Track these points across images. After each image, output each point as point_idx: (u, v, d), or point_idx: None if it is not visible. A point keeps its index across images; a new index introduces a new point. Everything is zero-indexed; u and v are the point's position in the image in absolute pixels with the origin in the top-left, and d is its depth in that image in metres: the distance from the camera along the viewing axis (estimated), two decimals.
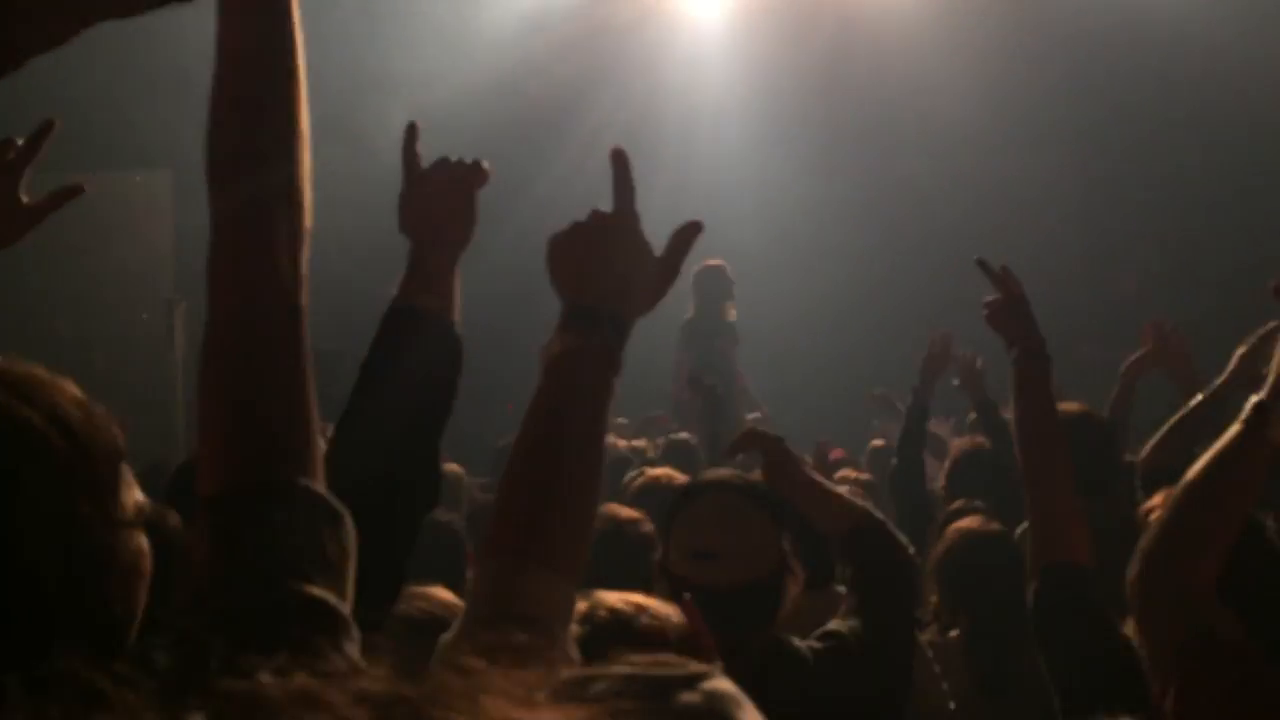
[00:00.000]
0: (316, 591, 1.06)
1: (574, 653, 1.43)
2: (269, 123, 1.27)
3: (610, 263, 1.62)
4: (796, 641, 2.41)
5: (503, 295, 8.20)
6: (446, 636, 1.45)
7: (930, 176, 10.76)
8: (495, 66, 9.82)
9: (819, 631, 2.46)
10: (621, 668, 0.90)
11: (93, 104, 8.13)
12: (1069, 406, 3.85)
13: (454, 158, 2.08)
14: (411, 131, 2.09)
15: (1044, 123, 10.54)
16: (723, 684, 0.90)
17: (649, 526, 3.39)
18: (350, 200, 5.60)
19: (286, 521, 1.10)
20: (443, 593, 2.60)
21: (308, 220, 1.26)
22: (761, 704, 1.04)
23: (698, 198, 10.38)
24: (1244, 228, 10.18)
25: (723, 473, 2.76)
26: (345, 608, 1.09)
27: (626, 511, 3.39)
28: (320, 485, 1.15)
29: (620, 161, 1.66)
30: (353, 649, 1.05)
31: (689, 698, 0.87)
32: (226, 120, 1.27)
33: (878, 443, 6.87)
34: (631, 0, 10.29)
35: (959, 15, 9.92)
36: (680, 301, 9.45)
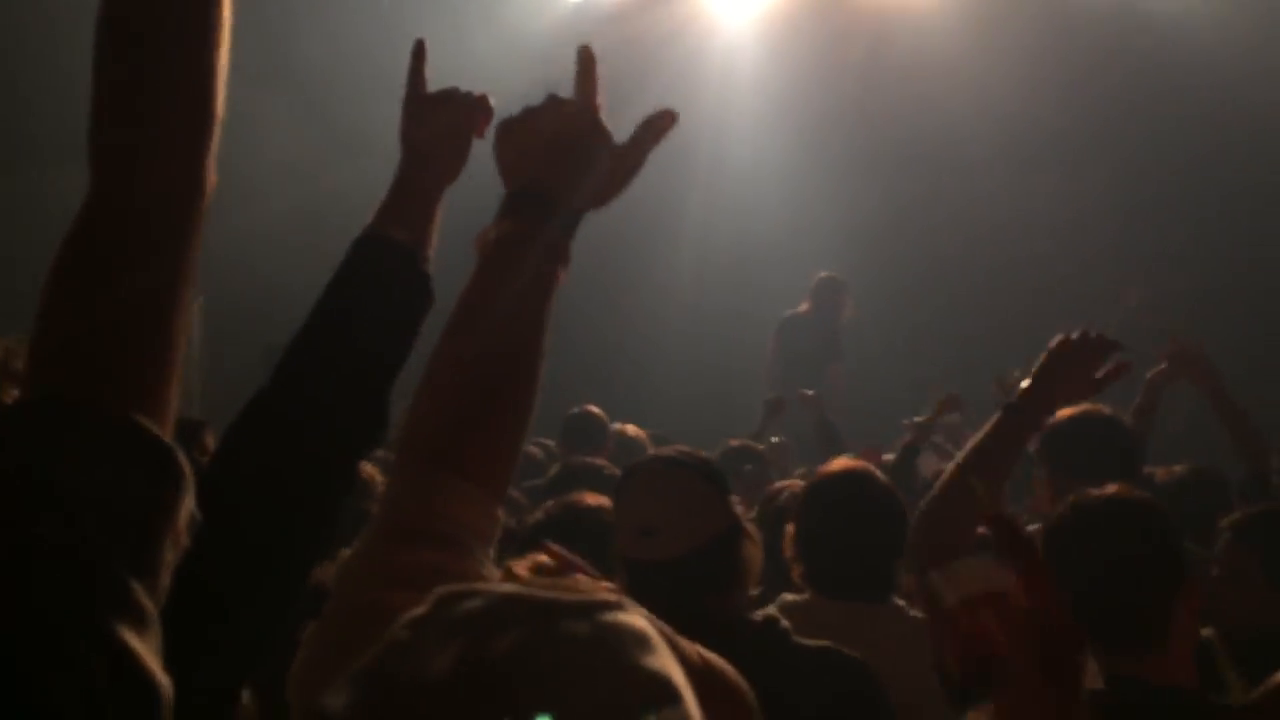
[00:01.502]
0: (84, 547, 0.83)
1: (492, 575, 1.27)
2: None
3: (561, 146, 1.48)
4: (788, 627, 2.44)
5: None
6: (351, 549, 1.30)
7: (962, 193, 10.72)
8: (529, 78, 9.84)
9: None
10: (508, 586, 0.81)
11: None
12: (1095, 408, 3.85)
13: (464, 90, 1.96)
14: (419, 51, 1.97)
15: (1080, 142, 10.50)
16: (627, 618, 0.79)
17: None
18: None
19: (77, 452, 0.86)
20: None
21: (218, 103, 1.06)
22: (755, 678, 1.01)
23: (729, 208, 10.44)
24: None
25: (661, 450, 2.79)
26: (118, 567, 0.84)
27: (592, 498, 3.35)
28: (161, 429, 0.92)
29: (586, 57, 1.56)
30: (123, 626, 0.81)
31: (574, 627, 0.76)
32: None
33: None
34: (666, 12, 10.32)
35: (995, 32, 9.89)
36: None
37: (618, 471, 4.43)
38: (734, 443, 6.09)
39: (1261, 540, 3.16)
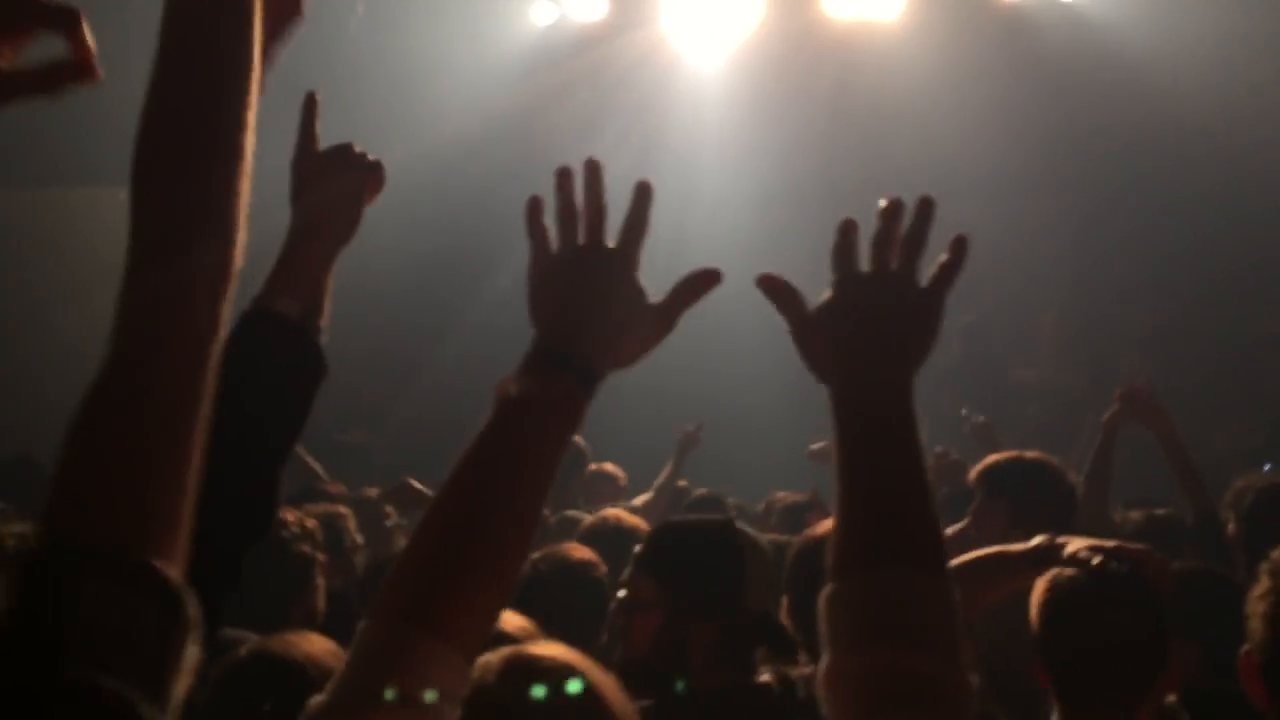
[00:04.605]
0: (110, 683, 0.86)
1: None
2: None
3: (597, 302, 1.44)
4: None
5: (501, 330, 8.16)
6: (316, 700, 1.27)
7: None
8: (495, 109, 9.86)
9: None
10: None
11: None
12: (1032, 454, 4.06)
13: (359, 148, 1.89)
14: (310, 104, 1.88)
15: (1043, 171, 10.59)
16: None
17: (603, 569, 3.31)
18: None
19: (98, 594, 0.89)
20: (317, 641, 2.35)
21: (236, 257, 1.06)
22: None
23: (698, 235, 10.45)
24: (1227, 281, 10.26)
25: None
26: (151, 710, 0.88)
27: (580, 552, 3.31)
28: (173, 570, 0.94)
29: (642, 195, 1.49)
30: None
31: None
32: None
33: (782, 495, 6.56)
34: (635, 37, 10.34)
35: (961, 64, 9.97)
36: None
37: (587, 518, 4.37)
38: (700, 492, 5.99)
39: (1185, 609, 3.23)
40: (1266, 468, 8.74)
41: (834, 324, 1.49)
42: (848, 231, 1.52)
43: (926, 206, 1.49)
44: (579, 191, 1.48)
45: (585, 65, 10.25)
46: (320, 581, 3.51)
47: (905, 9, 9.91)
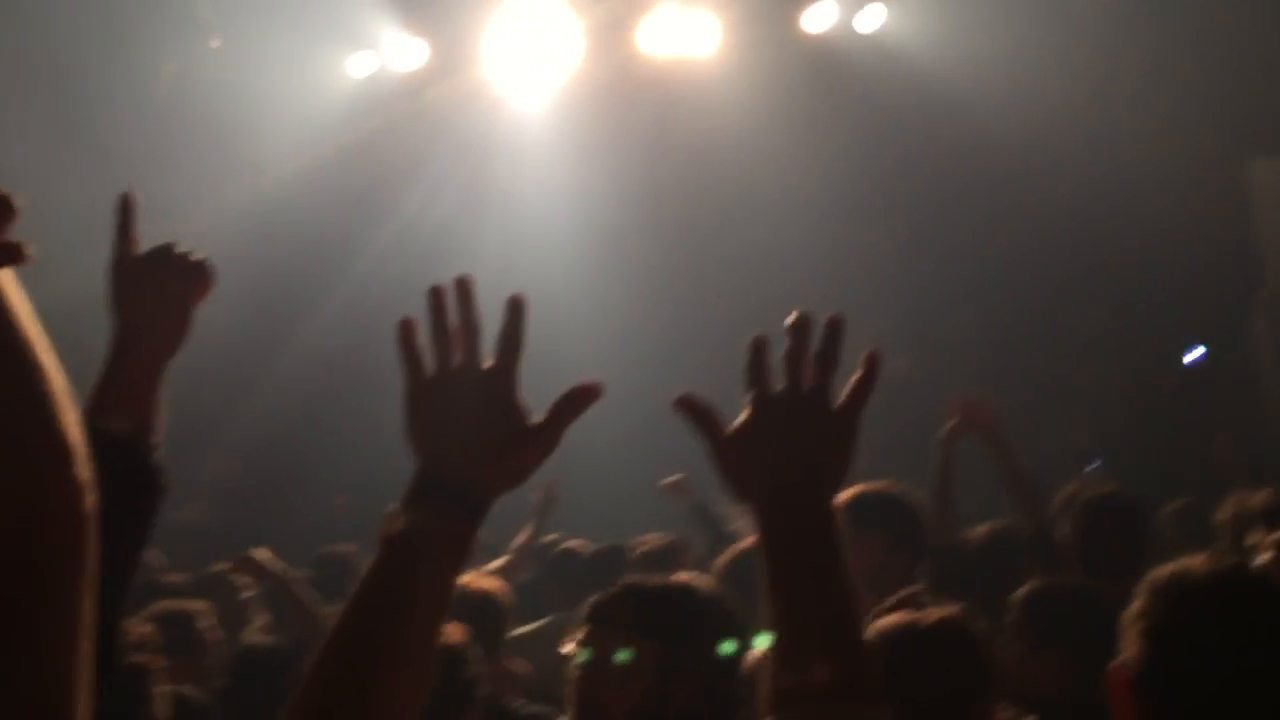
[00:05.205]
0: None
1: None
2: None
3: (478, 428, 1.39)
4: None
5: (319, 377, 7.99)
6: None
7: (754, 251, 10.99)
8: (316, 158, 9.72)
9: None
10: None
11: None
12: (885, 484, 4.16)
13: (181, 248, 1.75)
14: (125, 205, 1.73)
15: (863, 196, 10.91)
16: None
17: (467, 649, 3.25)
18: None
19: None
20: None
21: None
22: None
23: (521, 273, 10.43)
24: (1049, 290, 10.70)
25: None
26: None
27: (481, 580, 3.24)
28: None
29: (515, 312, 1.43)
30: None
31: None
32: None
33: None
34: (455, 82, 10.32)
35: (774, 97, 10.20)
36: None
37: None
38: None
39: (1044, 620, 3.39)
40: (1091, 466, 9.14)
41: (752, 447, 1.50)
42: (760, 350, 1.52)
43: (836, 326, 1.50)
44: (451, 310, 1.44)
45: (408, 111, 10.19)
46: (160, 690, 3.32)
47: (719, 46, 10.13)
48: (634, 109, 10.50)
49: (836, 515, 1.50)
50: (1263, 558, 3.06)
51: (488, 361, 1.42)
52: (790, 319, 1.50)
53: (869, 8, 10.28)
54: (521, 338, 1.43)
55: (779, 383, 1.51)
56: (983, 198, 10.75)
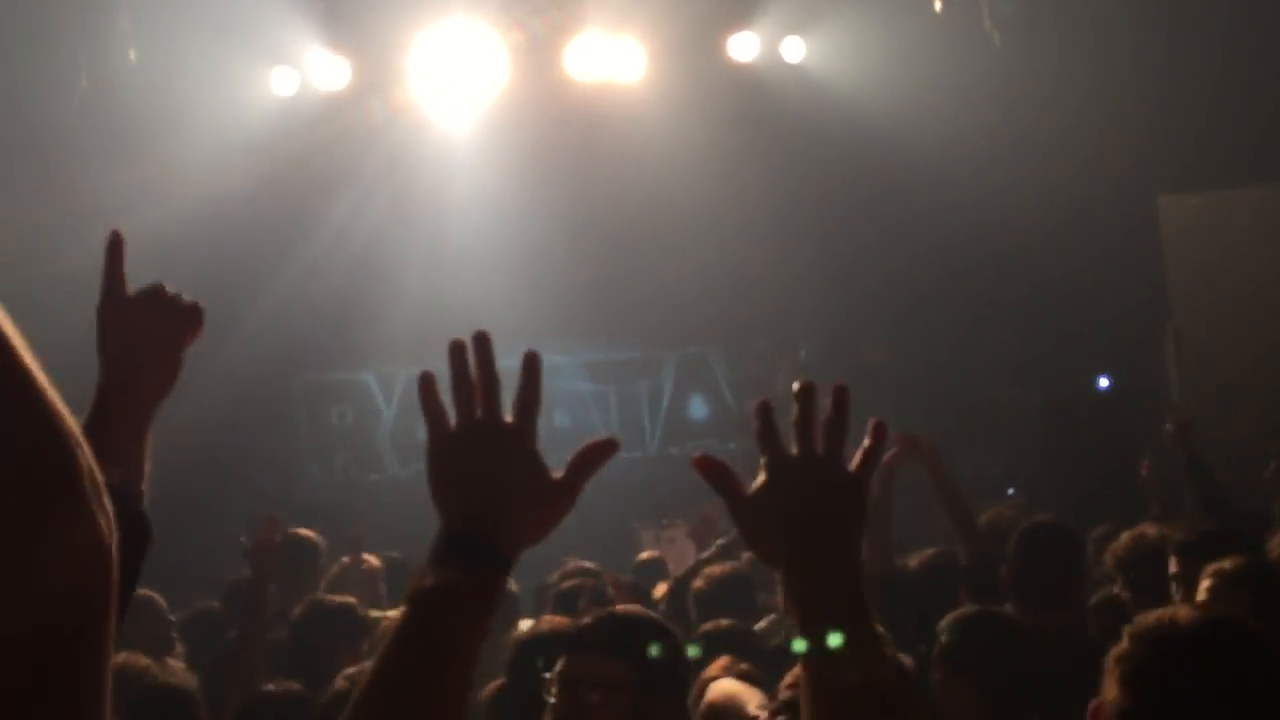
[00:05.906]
0: None
1: None
2: None
3: (501, 484, 1.40)
4: None
5: (231, 399, 7.84)
6: None
7: (678, 275, 11.03)
8: (242, 169, 9.58)
9: None
10: None
11: None
12: None
13: (172, 289, 1.71)
14: (114, 246, 1.69)
15: (785, 220, 11.00)
16: None
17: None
18: None
19: None
20: None
21: None
22: None
23: (446, 289, 10.37)
24: (967, 318, 10.88)
25: None
26: None
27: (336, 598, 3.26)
28: None
29: (532, 367, 1.45)
30: None
31: None
32: None
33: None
34: (379, 102, 10.25)
35: (700, 123, 10.27)
36: None
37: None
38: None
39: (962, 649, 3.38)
40: (1010, 492, 9.26)
41: (773, 508, 1.53)
42: (765, 414, 1.55)
43: (843, 395, 1.54)
44: (472, 365, 1.45)
45: (331, 130, 10.09)
46: None
47: (645, 71, 10.17)
48: (560, 131, 10.49)
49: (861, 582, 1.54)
50: (1203, 585, 3.11)
51: (508, 416, 1.43)
52: (797, 386, 1.55)
53: (789, 39, 10.40)
54: (539, 394, 1.44)
55: (791, 447, 1.55)
56: (903, 227, 10.90)
